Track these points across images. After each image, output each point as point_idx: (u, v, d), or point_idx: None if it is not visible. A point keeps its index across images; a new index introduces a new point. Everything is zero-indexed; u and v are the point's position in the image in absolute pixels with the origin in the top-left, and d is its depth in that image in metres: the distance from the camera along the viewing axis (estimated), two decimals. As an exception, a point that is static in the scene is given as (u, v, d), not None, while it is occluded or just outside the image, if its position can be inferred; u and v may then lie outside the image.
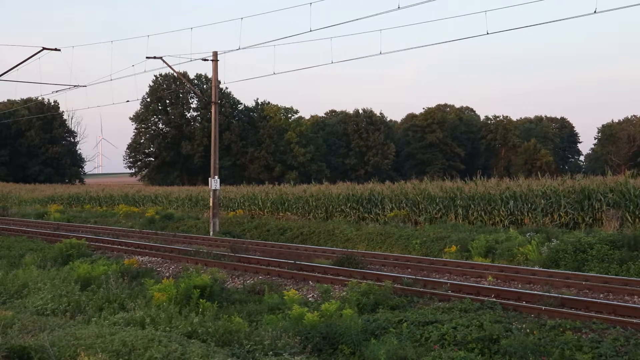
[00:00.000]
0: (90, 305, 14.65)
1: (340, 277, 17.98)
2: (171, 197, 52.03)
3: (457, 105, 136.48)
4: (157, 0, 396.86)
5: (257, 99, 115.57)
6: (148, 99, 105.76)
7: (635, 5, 18.53)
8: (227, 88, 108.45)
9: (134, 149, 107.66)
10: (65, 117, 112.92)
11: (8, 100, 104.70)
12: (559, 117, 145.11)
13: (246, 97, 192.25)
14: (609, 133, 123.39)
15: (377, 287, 14.71)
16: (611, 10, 18.81)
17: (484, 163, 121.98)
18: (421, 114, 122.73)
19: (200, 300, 13.94)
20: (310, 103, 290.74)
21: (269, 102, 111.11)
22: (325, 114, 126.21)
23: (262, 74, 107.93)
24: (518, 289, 15.98)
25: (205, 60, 34.71)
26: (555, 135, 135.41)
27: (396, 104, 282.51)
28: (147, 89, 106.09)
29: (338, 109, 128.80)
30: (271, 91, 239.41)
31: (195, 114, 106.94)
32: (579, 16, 20.10)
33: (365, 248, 27.33)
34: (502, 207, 30.82)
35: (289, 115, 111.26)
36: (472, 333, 11.48)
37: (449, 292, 15.61)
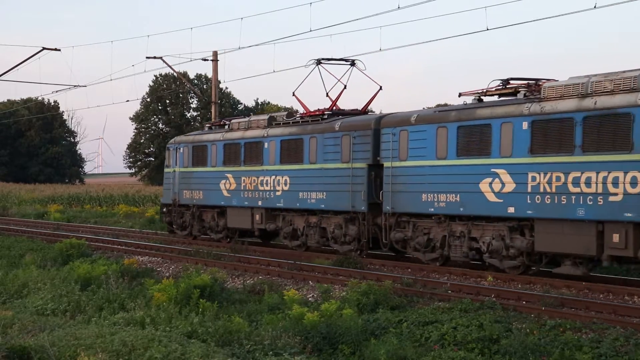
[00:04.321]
0: (90, 305, 14.65)
1: (340, 277, 17.97)
2: (171, 197, 51.94)
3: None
4: (157, 0, 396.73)
5: (257, 98, 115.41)
6: (148, 99, 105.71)
7: (636, -1, 18.47)
8: (227, 88, 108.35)
9: (134, 149, 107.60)
10: (65, 117, 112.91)
11: (8, 100, 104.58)
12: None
13: (246, 97, 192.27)
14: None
15: (377, 287, 14.70)
16: (611, 5, 18.78)
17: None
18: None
19: (200, 300, 13.93)
20: (309, 103, 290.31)
21: (269, 102, 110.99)
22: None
23: (262, 73, 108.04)
24: (518, 289, 15.97)
25: (205, 60, 34.80)
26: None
27: (396, 104, 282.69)
28: (147, 89, 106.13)
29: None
30: (271, 91, 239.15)
31: (195, 114, 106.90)
32: (579, 11, 20.18)
33: (365, 248, 27.27)
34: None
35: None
36: (472, 333, 11.48)
37: (449, 292, 15.61)
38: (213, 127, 28.21)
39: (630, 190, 14.78)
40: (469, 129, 18.06)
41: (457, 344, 11.29)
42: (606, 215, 15.21)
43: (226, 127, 26.80)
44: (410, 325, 12.54)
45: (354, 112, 23.34)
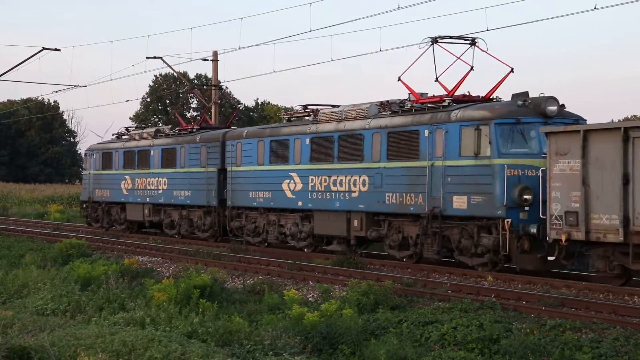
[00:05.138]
0: (90, 305, 14.65)
1: (340, 277, 17.97)
2: (171, 197, 51.92)
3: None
4: (157, 0, 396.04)
5: (257, 98, 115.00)
6: (148, 99, 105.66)
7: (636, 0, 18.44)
8: (227, 88, 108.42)
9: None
10: (65, 117, 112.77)
11: (8, 100, 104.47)
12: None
13: (246, 97, 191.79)
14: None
15: (377, 287, 14.69)
16: (611, 6, 18.72)
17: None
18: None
19: (200, 300, 13.93)
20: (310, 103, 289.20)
21: (269, 102, 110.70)
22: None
23: (262, 73, 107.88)
24: (518, 289, 15.97)
25: (205, 60, 34.82)
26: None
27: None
28: (147, 89, 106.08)
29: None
30: (271, 91, 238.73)
31: (195, 114, 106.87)
32: (579, 12, 20.21)
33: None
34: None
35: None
36: (472, 333, 11.48)
37: (449, 292, 15.62)
38: (119, 137, 34.05)
39: (362, 189, 20.37)
40: (276, 142, 23.63)
41: (457, 344, 11.29)
42: (350, 207, 20.70)
43: (127, 137, 33.14)
44: (410, 325, 12.54)
45: (218, 127, 29.63)
